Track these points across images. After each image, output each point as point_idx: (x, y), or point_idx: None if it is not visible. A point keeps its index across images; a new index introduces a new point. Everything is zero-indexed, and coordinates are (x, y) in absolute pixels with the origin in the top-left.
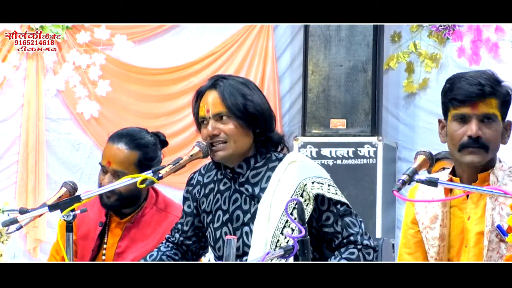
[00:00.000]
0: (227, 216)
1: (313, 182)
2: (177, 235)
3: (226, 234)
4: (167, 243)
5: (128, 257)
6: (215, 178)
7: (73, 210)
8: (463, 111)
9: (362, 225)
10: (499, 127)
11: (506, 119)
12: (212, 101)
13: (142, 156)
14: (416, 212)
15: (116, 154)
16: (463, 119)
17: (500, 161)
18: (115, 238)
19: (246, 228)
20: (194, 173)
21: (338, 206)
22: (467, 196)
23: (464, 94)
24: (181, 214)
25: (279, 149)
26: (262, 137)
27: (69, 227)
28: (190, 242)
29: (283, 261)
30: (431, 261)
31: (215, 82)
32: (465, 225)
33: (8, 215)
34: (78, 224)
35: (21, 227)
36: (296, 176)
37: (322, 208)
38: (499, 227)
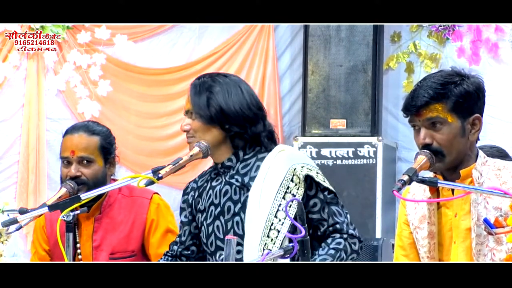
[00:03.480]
0: (219, 209)
1: (302, 166)
2: (175, 247)
3: (218, 227)
4: (166, 257)
5: (106, 248)
6: (208, 178)
7: (73, 210)
8: (411, 119)
9: (348, 216)
10: (454, 128)
11: (475, 115)
12: (186, 98)
13: (103, 140)
14: (407, 213)
15: (78, 142)
16: (415, 127)
17: (484, 157)
18: (88, 233)
19: (237, 218)
20: (189, 182)
21: (326, 193)
22: (452, 192)
23: (405, 107)
24: (147, 195)
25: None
26: (232, 132)
27: (69, 227)
28: (189, 252)
29: (283, 261)
30: (423, 261)
31: (195, 79)
32: (452, 222)
33: (8, 215)
34: (48, 235)
35: (21, 227)
36: (286, 162)
37: (309, 193)
38: (486, 220)
